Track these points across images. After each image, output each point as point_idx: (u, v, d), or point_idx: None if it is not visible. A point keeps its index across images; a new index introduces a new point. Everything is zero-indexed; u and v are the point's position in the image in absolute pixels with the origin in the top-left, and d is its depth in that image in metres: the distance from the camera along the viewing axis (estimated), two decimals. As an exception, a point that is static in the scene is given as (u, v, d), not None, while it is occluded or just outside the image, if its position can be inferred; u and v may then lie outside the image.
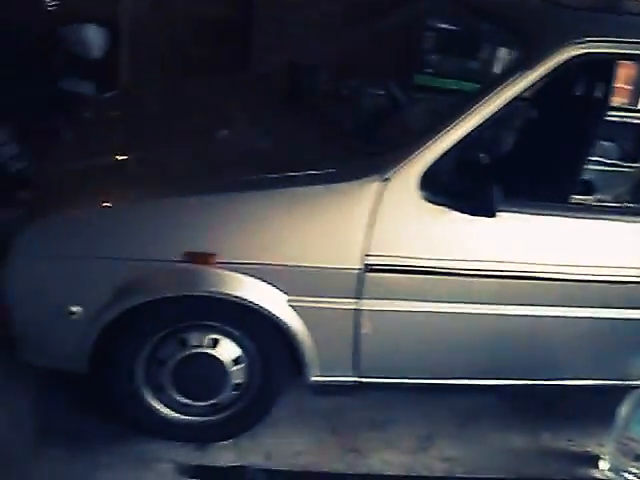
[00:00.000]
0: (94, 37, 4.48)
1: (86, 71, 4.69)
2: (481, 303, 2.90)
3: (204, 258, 2.68)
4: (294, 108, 3.43)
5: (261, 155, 3.01)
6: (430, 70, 4.35)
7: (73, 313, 2.73)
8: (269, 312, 2.76)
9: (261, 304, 2.74)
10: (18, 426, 3.01)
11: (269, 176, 2.81)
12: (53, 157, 3.34)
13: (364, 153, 2.87)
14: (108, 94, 4.13)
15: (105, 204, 2.78)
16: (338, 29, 4.61)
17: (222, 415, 3.01)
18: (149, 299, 2.73)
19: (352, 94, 3.56)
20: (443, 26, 4.38)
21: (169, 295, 2.73)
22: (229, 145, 3.18)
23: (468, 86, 3.98)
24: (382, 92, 3.59)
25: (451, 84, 4.15)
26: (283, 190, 2.75)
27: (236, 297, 2.72)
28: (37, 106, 4.57)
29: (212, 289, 2.70)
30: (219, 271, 2.70)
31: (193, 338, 2.84)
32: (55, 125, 4.66)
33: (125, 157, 3.12)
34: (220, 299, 2.73)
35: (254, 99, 3.66)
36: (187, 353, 2.85)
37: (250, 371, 2.94)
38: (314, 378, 2.94)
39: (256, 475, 2.87)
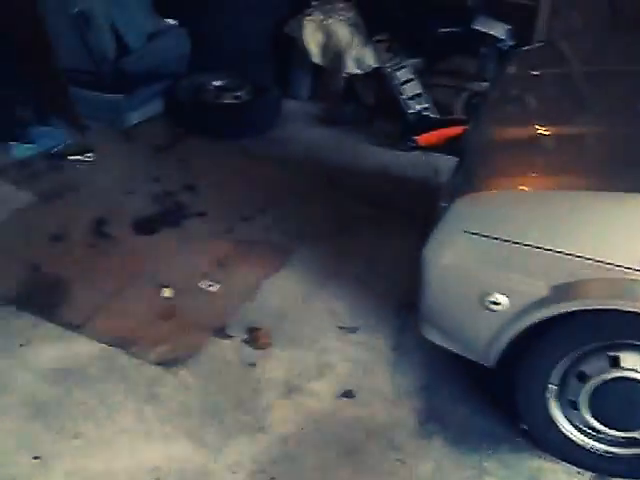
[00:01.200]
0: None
1: (502, 12, 4.30)
2: None
3: (672, 272, 2.21)
4: None
5: None
6: None
7: (496, 303, 2.42)
8: None
9: None
10: (400, 408, 2.81)
11: None
12: (480, 117, 3.01)
13: None
14: (531, 46, 3.70)
15: (551, 187, 2.41)
16: None
17: (632, 451, 2.57)
18: (588, 307, 2.33)
19: None
20: None
21: (613, 308, 2.31)
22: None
23: None
24: None
25: None
26: None
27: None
28: (447, 45, 4.29)
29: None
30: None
31: (627, 359, 2.41)
32: (462, 68, 4.39)
33: (572, 129, 2.70)
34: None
35: None
36: (616, 375, 2.42)
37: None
38: None
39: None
